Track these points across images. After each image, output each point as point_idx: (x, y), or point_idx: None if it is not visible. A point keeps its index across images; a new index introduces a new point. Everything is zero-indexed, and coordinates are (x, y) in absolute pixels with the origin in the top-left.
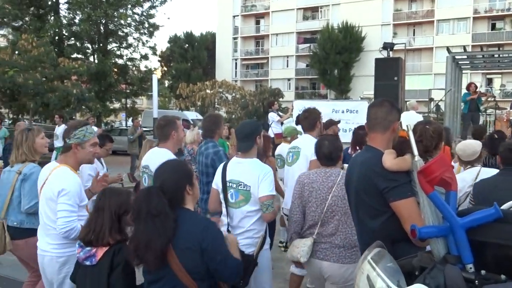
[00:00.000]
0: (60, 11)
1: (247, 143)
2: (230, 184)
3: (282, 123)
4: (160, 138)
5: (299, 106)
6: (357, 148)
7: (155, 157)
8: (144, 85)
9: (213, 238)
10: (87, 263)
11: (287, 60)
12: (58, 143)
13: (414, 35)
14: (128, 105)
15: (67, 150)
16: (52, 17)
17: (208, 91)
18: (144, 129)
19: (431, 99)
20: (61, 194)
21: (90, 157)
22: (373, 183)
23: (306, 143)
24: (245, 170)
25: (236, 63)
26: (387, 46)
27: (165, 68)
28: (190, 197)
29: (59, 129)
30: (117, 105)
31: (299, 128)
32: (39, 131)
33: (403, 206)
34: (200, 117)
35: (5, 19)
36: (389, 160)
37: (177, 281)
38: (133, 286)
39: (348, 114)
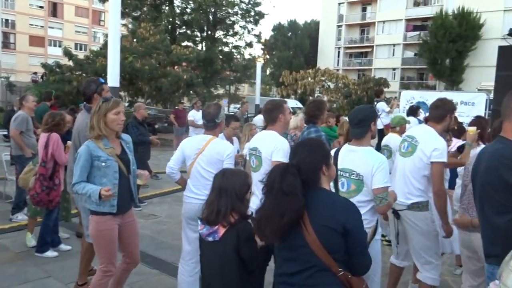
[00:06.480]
0: (174, 1)
1: (361, 129)
2: (342, 172)
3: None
4: (268, 121)
5: (407, 96)
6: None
7: (264, 139)
8: (247, 72)
9: (357, 219)
10: (210, 239)
11: (394, 49)
12: None
13: None
14: (231, 92)
15: (213, 127)
16: (167, 7)
17: (310, 79)
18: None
19: None
20: (229, 157)
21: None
22: (502, 177)
23: (425, 138)
24: (358, 158)
25: (339, 51)
26: None
27: (268, 56)
28: (325, 178)
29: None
30: (221, 91)
31: (409, 119)
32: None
33: None
34: (300, 105)
35: (126, 10)
36: None
37: (316, 260)
38: (265, 260)
39: (463, 106)
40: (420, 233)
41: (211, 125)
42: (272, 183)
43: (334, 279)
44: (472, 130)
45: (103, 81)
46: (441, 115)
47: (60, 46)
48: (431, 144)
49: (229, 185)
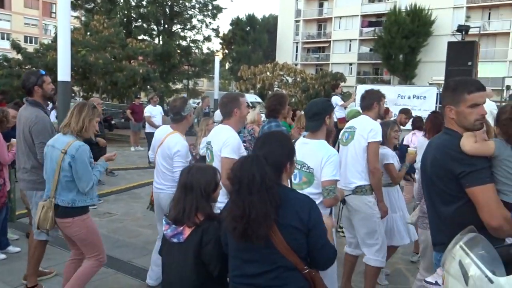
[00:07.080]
0: None
1: (316, 122)
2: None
3: (345, 108)
4: (224, 116)
5: (363, 90)
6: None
7: (217, 134)
8: (206, 66)
9: (318, 217)
10: (175, 240)
11: (350, 44)
12: None
13: (489, 19)
14: (189, 86)
15: (179, 120)
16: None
17: (268, 73)
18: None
19: (508, 87)
20: (177, 154)
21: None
22: (448, 167)
23: (362, 124)
24: (310, 151)
25: (297, 46)
26: (462, 29)
27: (226, 51)
28: (285, 175)
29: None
30: (179, 86)
31: None
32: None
33: (481, 193)
34: (259, 99)
35: (79, 1)
36: (469, 143)
37: (284, 260)
38: (225, 262)
39: (415, 100)
40: (362, 217)
41: (177, 118)
42: (251, 178)
43: (300, 277)
44: (412, 152)
45: (43, 72)
46: (369, 104)
47: (8, 39)
48: (367, 127)
49: (194, 182)
